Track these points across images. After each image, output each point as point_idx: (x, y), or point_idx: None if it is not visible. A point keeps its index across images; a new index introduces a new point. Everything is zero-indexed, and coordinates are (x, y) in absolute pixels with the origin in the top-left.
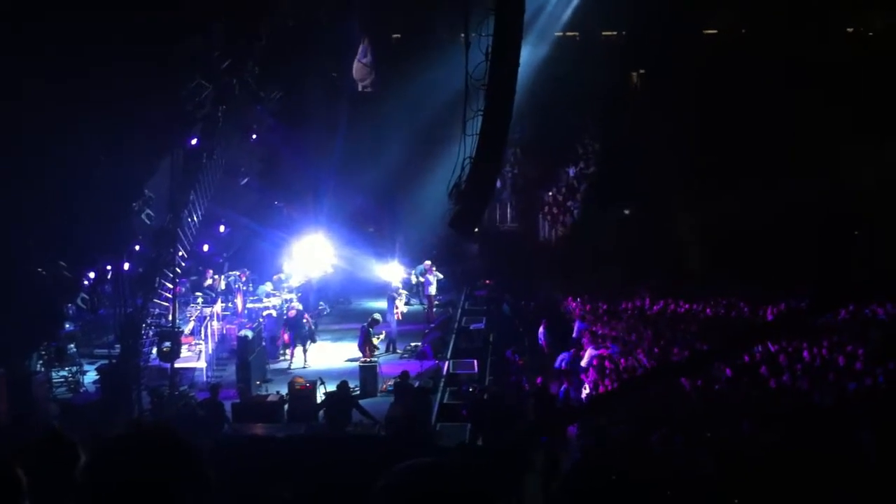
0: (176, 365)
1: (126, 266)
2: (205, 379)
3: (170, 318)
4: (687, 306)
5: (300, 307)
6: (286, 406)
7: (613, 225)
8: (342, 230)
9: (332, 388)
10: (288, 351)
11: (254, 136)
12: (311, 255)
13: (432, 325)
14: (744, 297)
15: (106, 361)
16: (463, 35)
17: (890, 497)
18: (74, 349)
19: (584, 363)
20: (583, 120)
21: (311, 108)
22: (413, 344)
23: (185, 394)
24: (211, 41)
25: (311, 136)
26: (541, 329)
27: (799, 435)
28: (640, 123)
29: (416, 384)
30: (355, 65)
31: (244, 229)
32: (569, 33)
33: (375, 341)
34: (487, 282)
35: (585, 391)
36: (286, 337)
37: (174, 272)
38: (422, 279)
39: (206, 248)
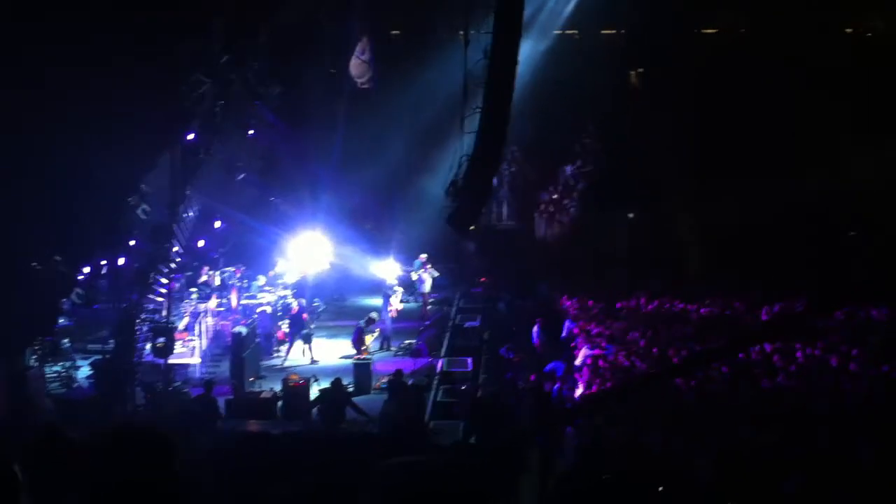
0: (170, 361)
1: (121, 261)
2: (199, 375)
3: (164, 313)
4: (682, 306)
5: (304, 302)
6: (280, 403)
7: (613, 227)
8: (339, 227)
9: (326, 384)
10: (283, 347)
11: (252, 133)
12: (308, 252)
13: (427, 323)
14: (740, 298)
15: (100, 357)
16: (462, 33)
17: (885, 499)
18: (69, 344)
19: (578, 362)
20: (581, 119)
21: (310, 105)
22: (408, 341)
23: (178, 390)
24: (211, 37)
25: (310, 133)
26: (535, 328)
27: (795, 436)
28: (638, 122)
29: (411, 382)
30: (353, 61)
31: (240, 225)
32: (568, 31)
33: (369, 339)
34: (483, 280)
35: (579, 390)
36: (281, 333)
37: (169, 268)
38: (421, 274)
39: (201, 243)
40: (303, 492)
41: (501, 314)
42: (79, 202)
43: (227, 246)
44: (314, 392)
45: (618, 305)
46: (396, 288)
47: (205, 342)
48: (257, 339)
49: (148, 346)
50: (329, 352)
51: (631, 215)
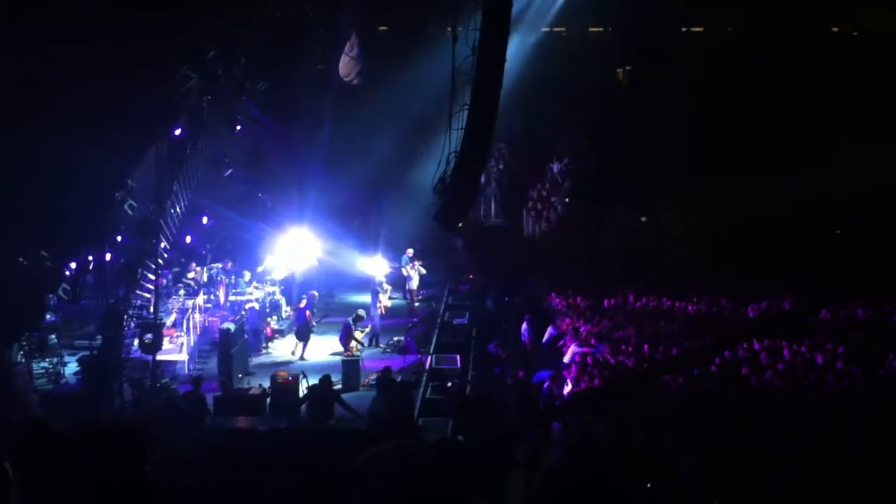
0: (158, 357)
1: (108, 257)
2: (187, 371)
3: (152, 309)
4: (670, 303)
5: (316, 294)
6: (268, 399)
7: (601, 224)
8: (327, 223)
9: (314, 381)
10: (272, 344)
11: (239, 128)
12: (296, 248)
13: (416, 320)
14: (727, 295)
15: (87, 353)
16: (450, 29)
17: (873, 496)
18: (55, 340)
19: (566, 359)
20: (569, 116)
21: (297, 101)
22: (396, 338)
23: (166, 386)
24: (198, 32)
25: (297, 129)
26: (524, 325)
27: (783, 433)
28: (626, 120)
29: (399, 378)
30: (343, 59)
31: (228, 221)
32: (556, 29)
33: (359, 335)
34: (471, 277)
35: (568, 388)
36: (269, 330)
37: (157, 263)
38: (409, 270)
39: (189, 239)
40: (291, 488)
41: (489, 311)
42: (65, 197)
43: (214, 242)
44: (303, 389)
45: (606, 303)
46: (386, 285)
47: (193, 338)
48: (245, 336)
49: (135, 342)
50: (318, 349)
51: (644, 219)
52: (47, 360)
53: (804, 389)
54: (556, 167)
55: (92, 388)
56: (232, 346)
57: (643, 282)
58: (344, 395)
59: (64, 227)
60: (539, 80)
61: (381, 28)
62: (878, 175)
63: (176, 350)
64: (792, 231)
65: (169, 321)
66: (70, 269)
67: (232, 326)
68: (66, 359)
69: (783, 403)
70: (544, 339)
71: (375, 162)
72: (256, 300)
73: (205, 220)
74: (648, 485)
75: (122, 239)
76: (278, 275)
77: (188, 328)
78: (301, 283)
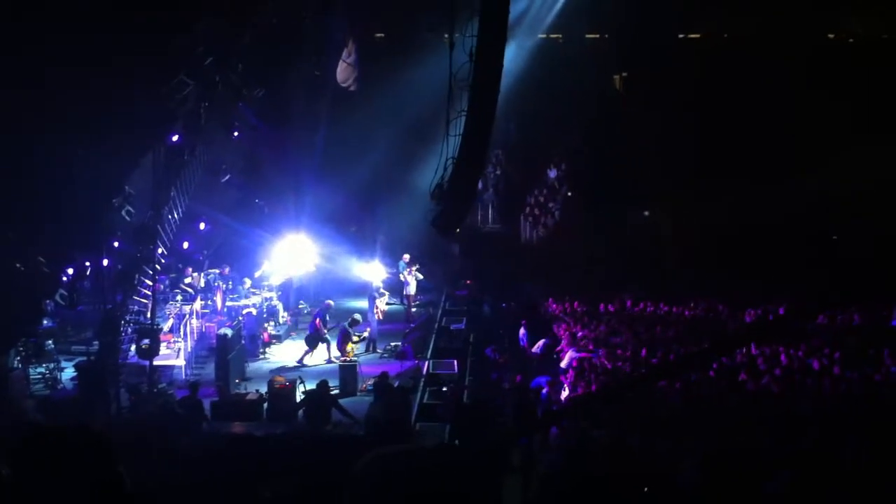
0: (155, 362)
1: (105, 262)
2: (184, 377)
3: (149, 315)
4: (666, 308)
5: (332, 303)
6: (265, 405)
7: (598, 229)
8: (324, 229)
9: (311, 386)
10: (270, 349)
11: (236, 134)
12: (293, 254)
13: (413, 325)
14: (724, 300)
15: (84, 358)
16: (447, 35)
17: (869, 500)
18: (52, 345)
19: (563, 364)
20: (565, 122)
21: (293, 107)
22: (393, 344)
23: (163, 391)
24: (195, 38)
25: (294, 135)
26: (522, 330)
27: (779, 438)
28: (622, 126)
29: (396, 384)
30: (340, 65)
31: (225, 227)
32: (552, 35)
33: (356, 339)
34: (468, 282)
35: (565, 393)
36: (266, 335)
37: (154, 269)
38: (406, 276)
39: (186, 245)
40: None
41: (486, 316)
42: (63, 203)
43: (211, 248)
44: (300, 394)
45: (602, 308)
46: (383, 291)
47: (190, 344)
48: (242, 341)
49: (132, 347)
50: (315, 354)
51: (646, 213)
52: (44, 365)
53: (801, 394)
54: (552, 173)
55: (89, 393)
56: (229, 351)
57: (640, 286)
58: (341, 401)
59: (61, 232)
60: (536, 86)
61: (378, 35)
62: (878, 176)
63: (173, 355)
64: (790, 235)
65: (166, 326)
66: (67, 275)
67: (229, 332)
68: (63, 364)
69: (780, 408)
70: (538, 349)
71: (372, 167)
72: (254, 306)
73: (202, 225)
74: (645, 489)
75: (119, 245)
76: (276, 280)
77: (185, 333)
78: (298, 288)
